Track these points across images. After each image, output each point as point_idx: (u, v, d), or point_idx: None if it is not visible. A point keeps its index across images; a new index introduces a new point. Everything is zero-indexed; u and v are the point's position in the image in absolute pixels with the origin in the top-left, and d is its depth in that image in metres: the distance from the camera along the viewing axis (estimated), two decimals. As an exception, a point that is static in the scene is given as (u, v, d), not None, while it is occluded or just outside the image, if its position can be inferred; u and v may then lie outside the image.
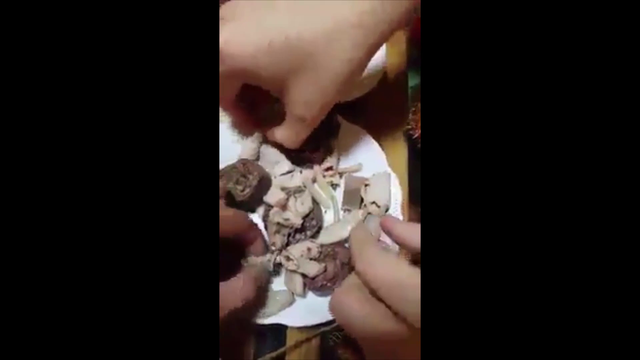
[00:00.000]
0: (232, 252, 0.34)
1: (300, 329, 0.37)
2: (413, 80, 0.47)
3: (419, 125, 0.41)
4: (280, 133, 0.36)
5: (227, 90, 0.31)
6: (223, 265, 0.28)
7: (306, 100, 0.31)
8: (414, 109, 0.41)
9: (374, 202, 0.39)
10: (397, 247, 0.28)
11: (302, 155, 0.42)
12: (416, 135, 0.41)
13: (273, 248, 0.35)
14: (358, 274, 0.25)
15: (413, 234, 0.26)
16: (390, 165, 0.41)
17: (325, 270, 0.36)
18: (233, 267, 0.33)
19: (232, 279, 0.30)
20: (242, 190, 0.37)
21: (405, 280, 0.22)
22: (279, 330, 0.37)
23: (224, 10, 0.28)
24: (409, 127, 0.41)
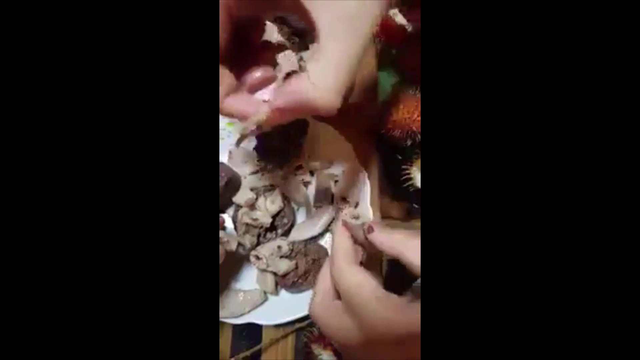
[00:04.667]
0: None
1: (275, 326, 0.37)
2: (391, 79, 0.47)
3: (397, 124, 0.40)
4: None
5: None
6: None
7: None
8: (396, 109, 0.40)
9: (343, 198, 0.40)
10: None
11: (272, 153, 0.42)
12: (393, 133, 0.41)
13: (241, 250, 0.36)
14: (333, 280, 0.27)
15: (396, 242, 0.26)
16: (359, 161, 0.41)
17: (296, 267, 0.36)
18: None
19: None
20: None
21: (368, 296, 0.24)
22: (255, 328, 0.37)
23: None
24: (389, 127, 0.41)
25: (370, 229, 0.27)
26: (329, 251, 0.39)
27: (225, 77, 0.25)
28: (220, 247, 0.33)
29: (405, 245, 0.25)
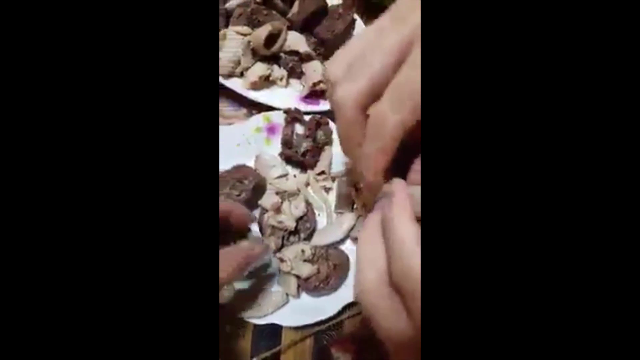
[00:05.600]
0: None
1: (295, 328, 0.38)
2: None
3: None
4: None
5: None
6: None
7: None
8: None
9: (364, 205, 0.41)
10: None
11: (296, 159, 0.43)
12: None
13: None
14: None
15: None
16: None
17: (318, 272, 0.37)
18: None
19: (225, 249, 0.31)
20: (238, 195, 0.38)
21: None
22: (275, 330, 0.38)
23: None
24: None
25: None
26: (350, 257, 0.40)
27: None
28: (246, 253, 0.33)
29: None
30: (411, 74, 0.20)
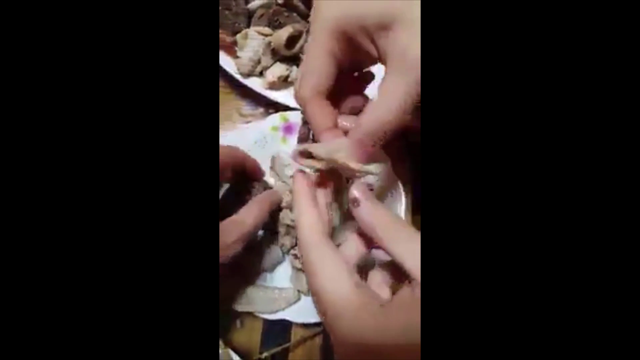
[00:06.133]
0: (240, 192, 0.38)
1: (304, 325, 0.39)
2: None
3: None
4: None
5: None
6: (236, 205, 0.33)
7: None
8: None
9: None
10: None
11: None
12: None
13: (282, 249, 0.37)
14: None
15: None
16: (395, 172, 0.43)
17: (330, 270, 0.37)
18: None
19: (243, 208, 0.33)
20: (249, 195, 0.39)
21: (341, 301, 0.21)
22: (285, 326, 0.39)
23: None
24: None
25: (355, 202, 0.24)
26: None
27: (329, 111, 0.27)
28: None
29: (395, 238, 0.22)
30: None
